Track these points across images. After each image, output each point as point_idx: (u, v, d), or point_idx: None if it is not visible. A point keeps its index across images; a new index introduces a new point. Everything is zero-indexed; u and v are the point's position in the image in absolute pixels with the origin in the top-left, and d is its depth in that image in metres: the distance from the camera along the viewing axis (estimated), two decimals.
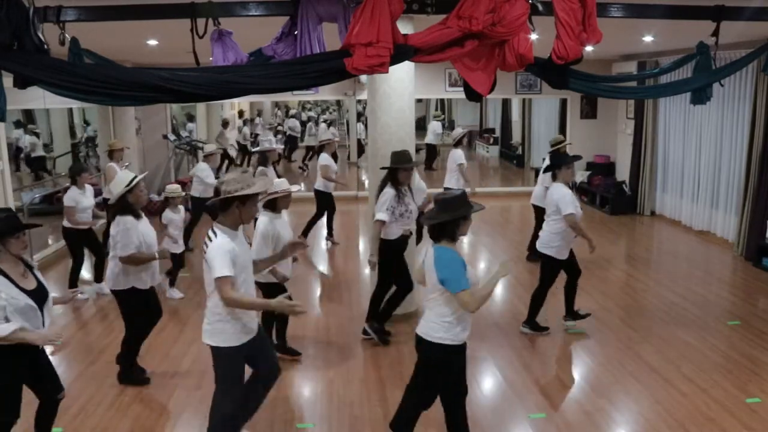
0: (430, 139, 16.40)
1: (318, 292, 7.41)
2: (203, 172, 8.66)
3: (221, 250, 3.49)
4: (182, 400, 4.85)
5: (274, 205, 5.16)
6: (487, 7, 3.90)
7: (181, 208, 7.06)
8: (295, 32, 4.20)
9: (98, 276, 7.18)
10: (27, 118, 13.61)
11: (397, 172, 5.43)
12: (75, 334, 6.13)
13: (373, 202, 6.36)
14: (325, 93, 12.92)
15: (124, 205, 4.77)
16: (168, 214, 6.91)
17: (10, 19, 3.55)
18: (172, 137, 12.88)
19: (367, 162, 8.26)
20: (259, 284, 4.91)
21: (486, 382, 5.18)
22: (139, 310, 4.99)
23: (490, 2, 3.90)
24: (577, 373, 5.33)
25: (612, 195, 11.44)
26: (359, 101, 13.79)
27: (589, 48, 4.24)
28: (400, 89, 5.99)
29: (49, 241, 9.35)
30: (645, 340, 5.83)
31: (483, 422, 4.50)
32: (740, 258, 8.46)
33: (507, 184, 15.82)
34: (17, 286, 3.48)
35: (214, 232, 3.58)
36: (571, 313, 6.07)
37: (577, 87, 4.59)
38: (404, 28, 4.33)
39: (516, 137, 17.75)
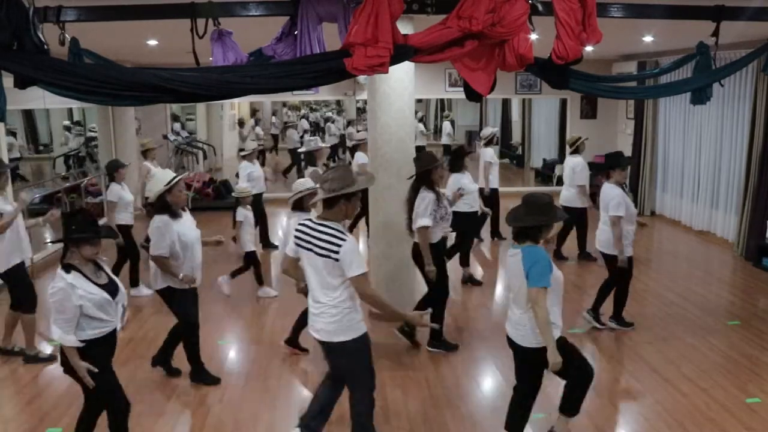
0: (444, 140, 16.48)
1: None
2: (245, 170, 8.67)
3: (356, 247, 3.55)
4: (182, 400, 4.85)
5: (301, 204, 5.16)
6: (487, 7, 3.89)
7: (249, 207, 7.11)
8: (295, 32, 4.20)
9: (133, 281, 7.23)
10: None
11: (431, 174, 5.40)
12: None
13: (373, 203, 6.36)
14: (325, 93, 12.92)
15: (163, 204, 4.72)
16: (242, 212, 6.98)
17: (10, 19, 3.54)
18: (172, 137, 12.87)
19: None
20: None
21: (486, 382, 5.17)
22: (188, 307, 4.92)
23: (490, 2, 3.89)
24: None
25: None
26: (358, 101, 13.80)
27: (589, 48, 4.24)
28: (400, 89, 5.99)
29: (49, 242, 9.33)
30: (645, 340, 5.83)
31: (483, 422, 4.50)
32: (740, 258, 8.46)
33: (507, 184, 15.76)
34: (92, 281, 3.55)
35: (338, 230, 3.55)
36: (595, 311, 6.05)
37: (577, 87, 4.59)
38: (404, 28, 4.33)
39: (516, 137, 17.74)
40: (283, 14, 4.21)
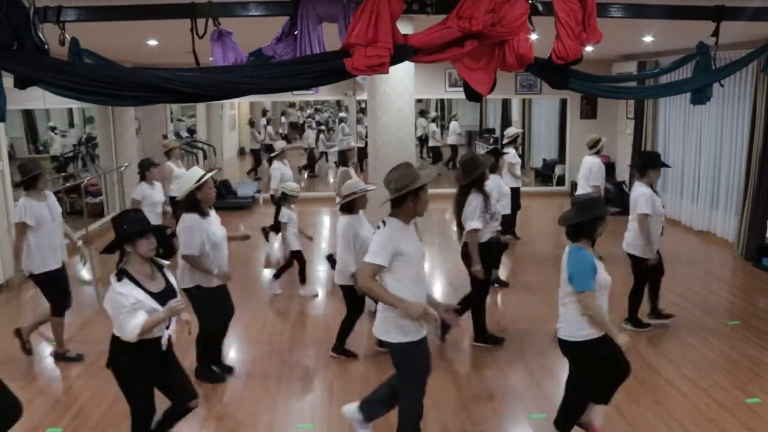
0: (452, 140, 16.50)
1: (317, 292, 7.40)
2: (277, 171, 8.68)
3: (383, 239, 3.59)
4: None
5: (352, 206, 5.21)
6: (487, 7, 3.89)
7: (293, 207, 7.11)
8: (295, 32, 4.20)
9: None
10: None
11: (482, 178, 5.50)
12: (76, 334, 6.12)
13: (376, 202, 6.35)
14: (325, 93, 12.93)
15: (192, 203, 4.71)
16: (286, 212, 6.97)
17: (10, 19, 3.54)
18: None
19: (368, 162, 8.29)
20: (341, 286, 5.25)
21: (486, 382, 5.17)
22: (213, 309, 4.93)
23: (490, 2, 3.89)
24: None
25: (612, 195, 11.43)
26: (359, 102, 13.81)
27: (589, 48, 4.23)
28: (400, 89, 5.99)
29: None
30: (645, 340, 5.83)
31: (483, 422, 4.50)
32: (740, 258, 8.47)
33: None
34: (143, 288, 3.47)
35: (384, 222, 3.66)
36: (632, 319, 6.04)
37: (577, 87, 4.58)
38: (404, 28, 4.32)
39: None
40: (283, 14, 4.20)
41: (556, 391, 4.98)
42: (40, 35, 3.69)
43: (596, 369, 3.83)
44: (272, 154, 8.96)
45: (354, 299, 5.40)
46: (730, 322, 6.29)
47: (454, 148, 16.64)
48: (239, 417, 4.57)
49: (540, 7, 4.12)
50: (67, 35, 4.11)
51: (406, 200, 3.61)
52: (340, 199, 5.52)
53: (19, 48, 3.64)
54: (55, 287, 5.51)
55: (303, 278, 7.23)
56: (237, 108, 19.67)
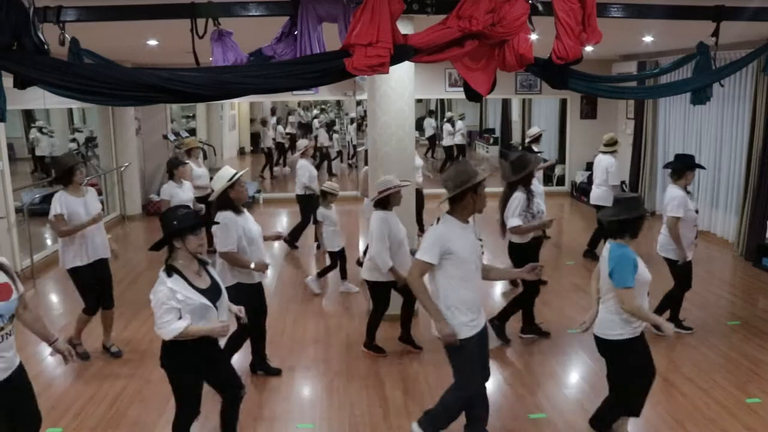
0: (457, 139, 16.52)
1: (317, 292, 7.40)
2: (305, 169, 8.67)
3: (433, 236, 3.63)
4: None
5: (387, 202, 5.24)
6: (487, 7, 3.89)
7: (332, 206, 7.08)
8: (295, 32, 4.20)
9: None
10: None
11: (530, 176, 5.58)
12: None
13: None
14: (325, 93, 12.92)
15: (225, 201, 4.71)
16: (323, 211, 6.96)
17: (10, 19, 3.54)
18: (172, 137, 12.87)
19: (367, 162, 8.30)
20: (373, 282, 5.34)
21: (486, 382, 5.16)
22: (251, 306, 4.89)
23: (490, 2, 3.89)
24: (577, 373, 5.33)
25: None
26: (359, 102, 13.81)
27: (589, 48, 4.23)
28: (400, 89, 5.99)
29: (48, 242, 9.35)
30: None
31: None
32: (740, 258, 8.46)
33: None
34: (192, 285, 3.47)
35: (439, 219, 3.70)
36: (675, 320, 5.99)
37: (577, 87, 4.59)
38: (404, 28, 4.32)
39: (516, 137, 17.74)
40: (283, 14, 4.20)
41: (557, 391, 4.99)
42: (40, 35, 3.69)
43: (630, 370, 3.84)
44: (300, 152, 8.93)
45: (381, 294, 5.43)
46: (730, 322, 6.28)
47: (459, 148, 16.64)
48: (239, 417, 4.57)
49: (540, 7, 4.12)
50: (67, 35, 4.12)
51: (465, 197, 3.63)
52: (370, 195, 5.52)
53: (19, 48, 3.64)
54: (82, 284, 5.47)
55: (343, 274, 7.27)
56: (237, 108, 19.66)
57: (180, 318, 3.38)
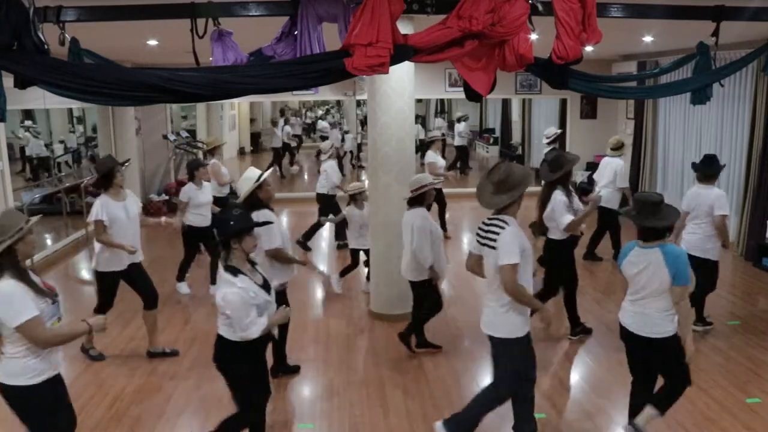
0: (458, 141, 16.51)
1: (317, 292, 7.40)
2: (333, 168, 8.68)
3: (513, 237, 3.67)
4: (182, 400, 4.85)
5: (422, 199, 5.27)
6: (487, 7, 3.90)
7: (365, 204, 6.97)
8: (295, 32, 4.20)
9: (213, 279, 6.93)
10: None
11: (569, 175, 5.66)
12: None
13: (373, 203, 6.36)
14: (325, 93, 12.93)
15: (255, 202, 4.69)
16: (350, 210, 6.96)
17: (10, 19, 3.54)
18: (172, 137, 12.87)
19: (368, 162, 8.31)
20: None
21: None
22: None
23: (490, 2, 3.89)
24: (577, 373, 5.33)
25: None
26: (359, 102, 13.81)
27: (589, 48, 4.24)
28: (400, 89, 5.99)
29: (48, 242, 9.35)
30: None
31: (483, 422, 4.49)
32: (740, 258, 8.46)
33: None
34: (255, 283, 3.57)
35: (503, 221, 3.74)
36: (700, 318, 6.00)
37: (577, 87, 4.59)
38: (404, 28, 4.33)
39: (516, 137, 17.75)
40: (283, 14, 4.21)
41: (556, 391, 4.98)
42: (40, 35, 3.69)
43: (680, 355, 3.88)
44: (328, 154, 8.90)
45: (426, 293, 5.40)
46: (730, 322, 6.28)
47: (463, 149, 16.61)
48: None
49: (540, 7, 4.12)
50: (67, 35, 4.12)
51: (520, 198, 3.78)
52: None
53: (19, 48, 3.64)
54: (107, 288, 5.40)
55: (344, 273, 7.25)
56: (237, 108, 19.67)
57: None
